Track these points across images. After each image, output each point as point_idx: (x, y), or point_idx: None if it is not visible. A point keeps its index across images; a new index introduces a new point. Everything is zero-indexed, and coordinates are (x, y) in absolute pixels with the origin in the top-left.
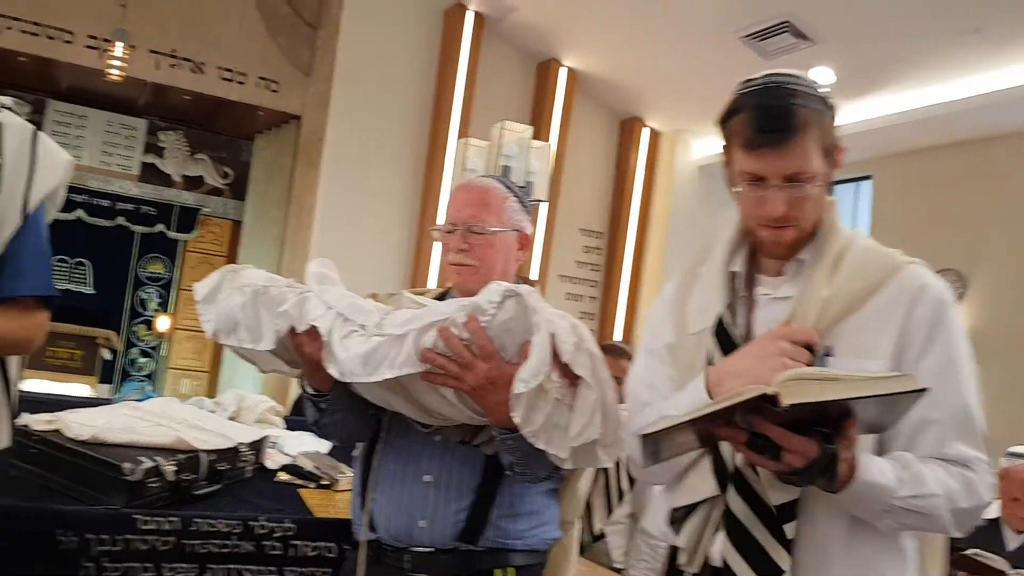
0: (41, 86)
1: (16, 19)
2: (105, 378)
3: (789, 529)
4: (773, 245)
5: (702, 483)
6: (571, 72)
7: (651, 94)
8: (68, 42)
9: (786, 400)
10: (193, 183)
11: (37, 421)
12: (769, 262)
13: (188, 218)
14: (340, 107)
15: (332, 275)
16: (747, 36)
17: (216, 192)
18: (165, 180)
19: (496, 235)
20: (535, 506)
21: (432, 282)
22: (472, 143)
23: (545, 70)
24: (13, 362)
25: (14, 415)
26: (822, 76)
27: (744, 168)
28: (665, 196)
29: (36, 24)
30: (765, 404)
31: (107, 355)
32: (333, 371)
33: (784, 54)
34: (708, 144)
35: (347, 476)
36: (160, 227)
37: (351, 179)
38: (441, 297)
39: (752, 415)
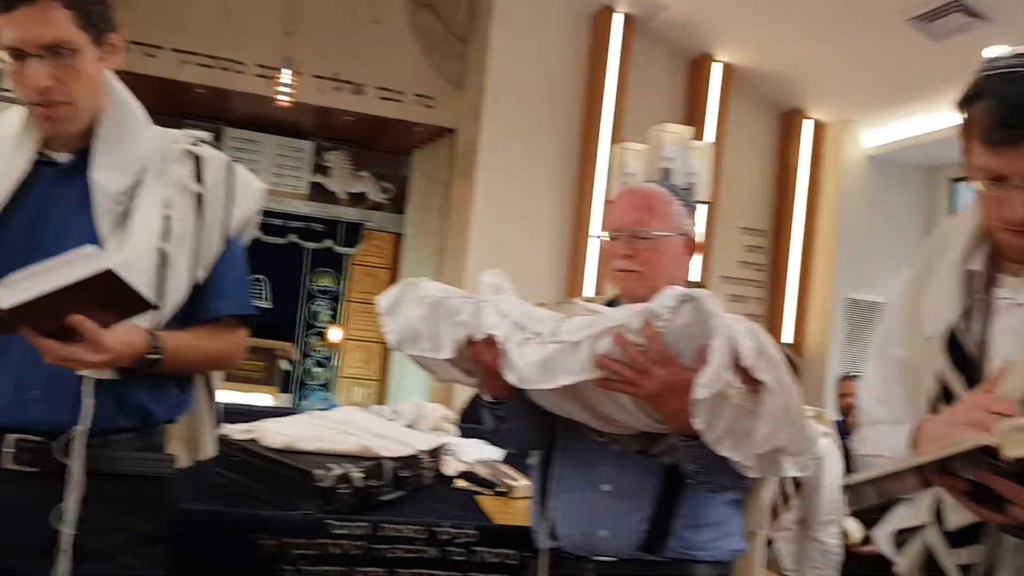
0: (217, 115)
1: (193, 54)
2: (284, 388)
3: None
4: (1014, 249)
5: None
6: (726, 67)
7: (813, 84)
8: (240, 72)
9: (1010, 452)
10: (357, 199)
11: (236, 431)
12: (1012, 263)
13: (353, 233)
14: (492, 118)
15: (505, 285)
16: (914, 18)
17: (378, 207)
18: (331, 198)
19: (661, 240)
20: (718, 516)
21: (589, 290)
22: (630, 147)
23: (698, 67)
24: (215, 376)
25: (217, 425)
26: None
27: (983, 164)
28: (833, 189)
29: (211, 57)
30: (985, 456)
31: (285, 366)
32: (511, 378)
33: (956, 35)
34: (878, 133)
35: (523, 484)
36: (328, 242)
37: (505, 189)
38: (611, 304)
39: (972, 465)
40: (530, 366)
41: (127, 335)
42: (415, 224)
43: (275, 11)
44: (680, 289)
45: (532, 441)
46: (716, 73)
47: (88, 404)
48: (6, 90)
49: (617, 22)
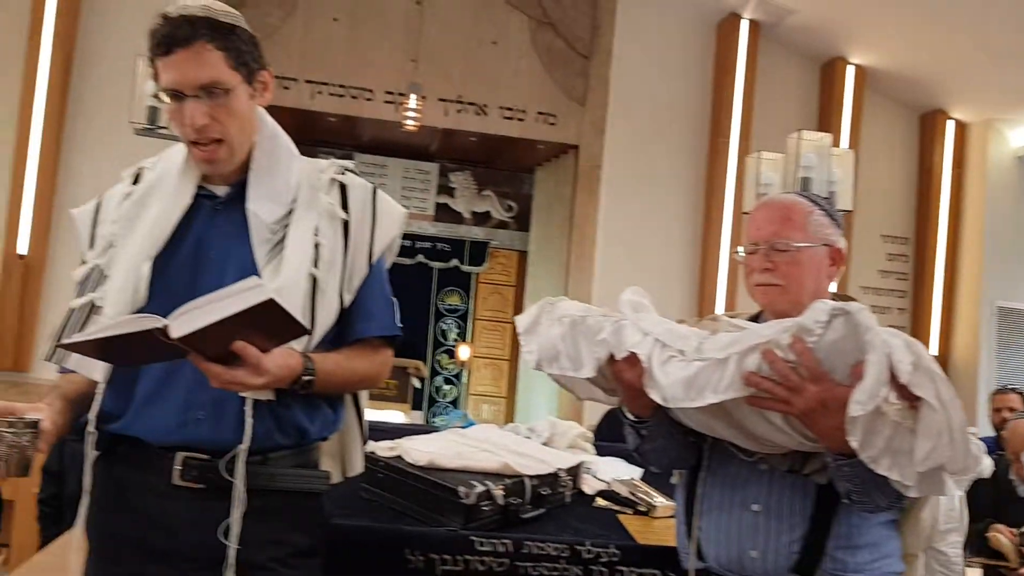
0: (347, 141)
1: (324, 84)
2: (416, 405)
3: None
4: None
5: None
6: (859, 69)
7: (954, 83)
8: (368, 100)
9: None
10: (481, 218)
11: (381, 448)
12: None
13: (479, 251)
14: (616, 133)
15: (645, 302)
16: None
17: (502, 225)
18: (456, 218)
19: (802, 251)
20: (875, 537)
21: (720, 306)
22: (765, 156)
23: (830, 70)
24: (363, 396)
25: (364, 443)
26: None
27: None
28: (978, 192)
29: (341, 87)
30: None
31: (416, 384)
32: (655, 397)
33: None
34: None
35: (664, 503)
36: (455, 262)
37: (630, 204)
38: (754, 320)
39: None
40: (675, 384)
41: (284, 358)
42: (539, 241)
43: (400, 41)
44: (831, 302)
45: (676, 460)
46: (850, 76)
47: (250, 424)
48: (163, 127)
49: (744, 29)
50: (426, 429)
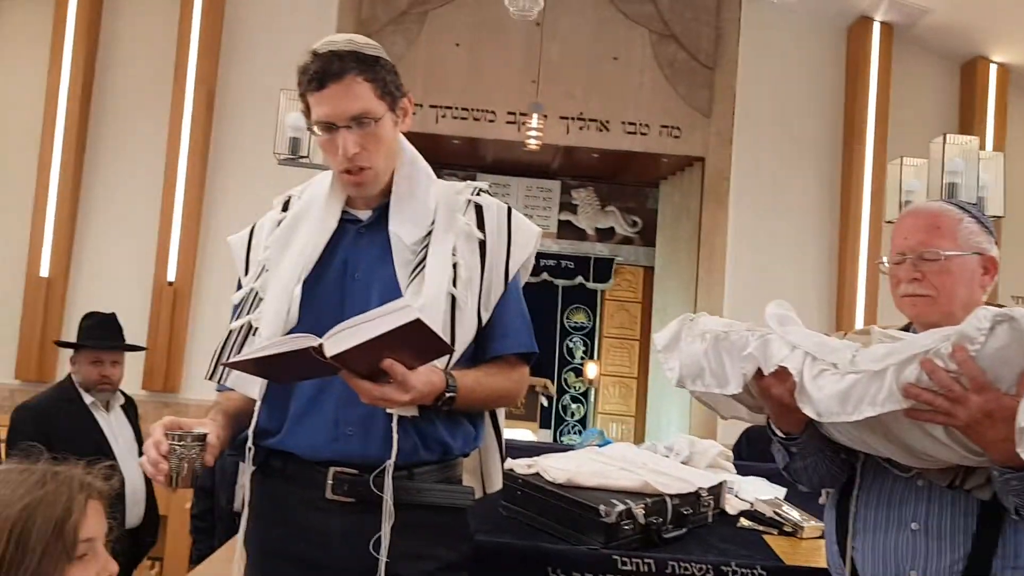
0: (470, 163)
1: (448, 107)
2: (544, 424)
3: None
4: None
5: None
6: (1001, 68)
7: None
8: (491, 121)
9: None
10: (605, 235)
11: (519, 465)
12: None
13: (604, 268)
14: (743, 144)
15: (791, 315)
16: None
17: (627, 241)
18: (580, 235)
19: (952, 260)
20: None
21: (859, 320)
22: (908, 162)
23: (971, 71)
24: (500, 413)
25: (503, 460)
26: None
27: None
28: None
29: (464, 109)
30: None
31: (544, 402)
32: (808, 412)
33: None
34: None
35: (812, 524)
36: (579, 279)
37: (760, 215)
38: (906, 331)
39: None
40: (829, 398)
41: (429, 375)
42: (665, 256)
43: (521, 62)
44: (993, 309)
45: (827, 478)
46: (992, 76)
47: (396, 439)
48: (304, 156)
49: (875, 31)
50: (562, 447)
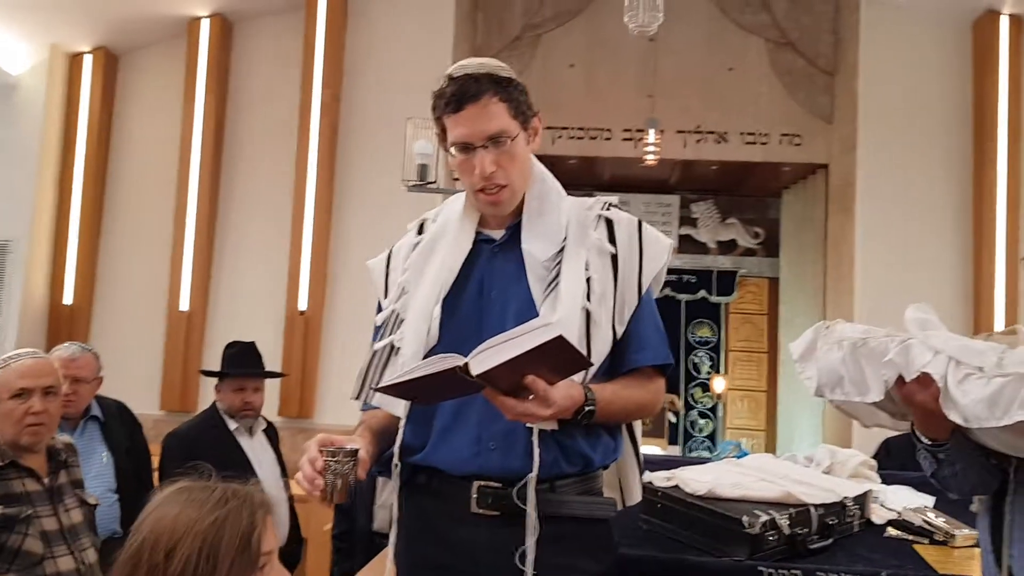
0: (588, 182)
1: (564, 128)
2: (672, 440)
3: None
4: None
5: None
6: None
7: None
8: (607, 139)
9: None
10: (727, 247)
11: (658, 478)
12: None
13: (727, 281)
14: (868, 148)
15: (932, 319)
16: None
17: (750, 253)
18: (701, 248)
19: None
20: None
21: (999, 322)
22: None
23: None
24: (637, 426)
25: (641, 472)
26: None
27: None
28: None
29: (580, 129)
30: None
31: (672, 418)
32: (955, 417)
33: None
34: None
35: (964, 532)
36: (702, 293)
37: (889, 219)
38: None
39: None
40: (976, 403)
41: (568, 390)
42: (790, 267)
43: (635, 78)
44: None
45: (978, 484)
46: None
47: (537, 452)
48: (432, 182)
49: (1003, 25)
50: (700, 460)
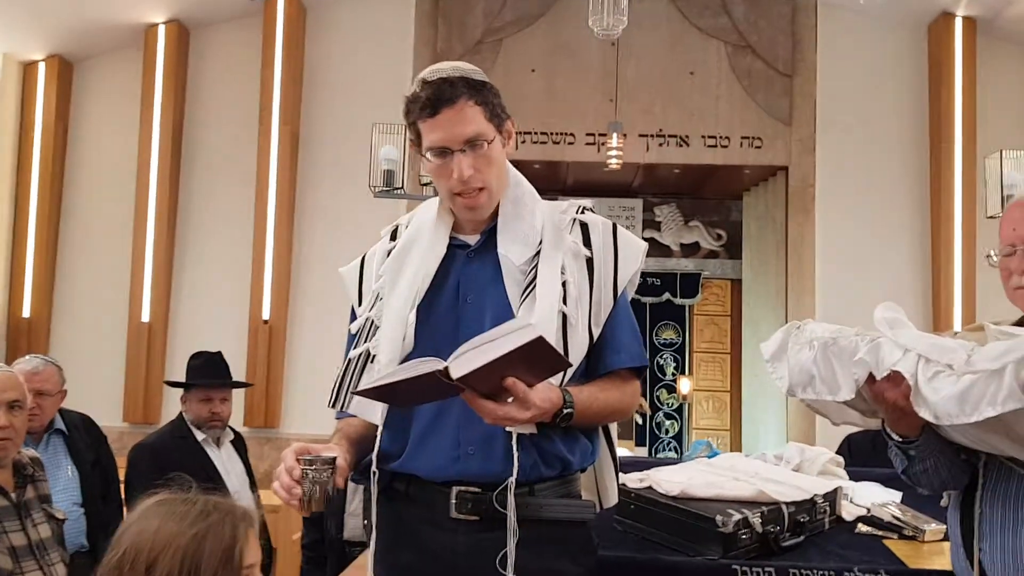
0: (551, 186)
1: (527, 133)
2: (639, 441)
3: None
4: None
5: None
6: None
7: None
8: (570, 143)
9: None
10: (690, 250)
11: (631, 479)
12: None
13: (690, 284)
14: (826, 150)
15: (901, 317)
16: None
17: (712, 255)
18: (664, 251)
19: None
20: None
21: (957, 319)
22: (1007, 155)
23: None
24: (613, 428)
25: (617, 474)
26: None
27: None
28: None
29: (543, 134)
30: None
31: (639, 420)
32: (926, 415)
33: None
34: None
35: (933, 527)
36: (667, 295)
37: (848, 221)
38: (1021, 325)
39: None
40: (946, 400)
41: (547, 392)
42: (752, 268)
43: (598, 82)
44: None
45: (948, 480)
46: None
47: (517, 457)
48: (399, 188)
49: (958, 27)
50: (671, 461)
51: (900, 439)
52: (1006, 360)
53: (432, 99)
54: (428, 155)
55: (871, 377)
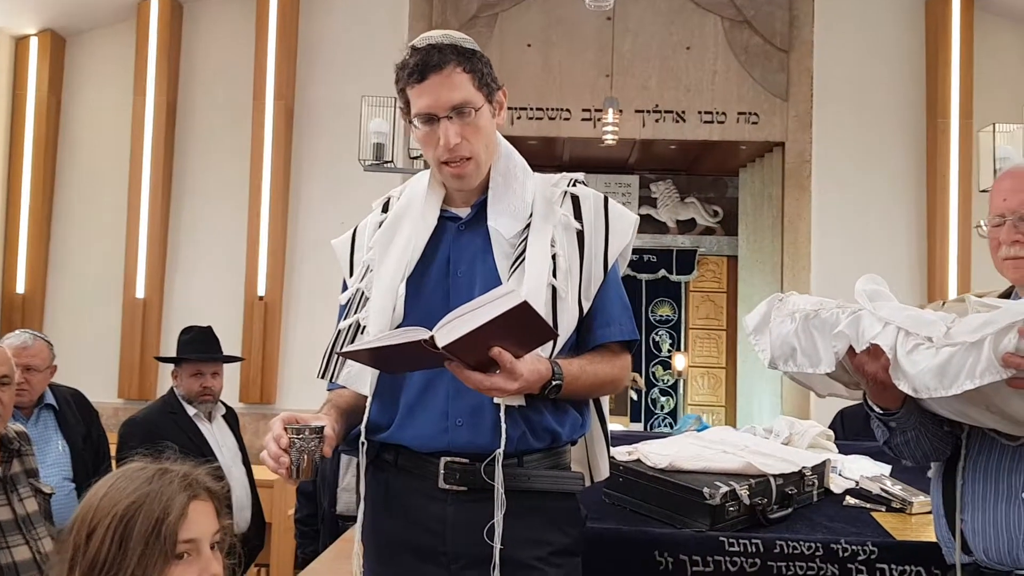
0: (547, 162)
1: (523, 108)
2: (634, 417)
3: None
4: None
5: None
6: None
7: None
8: (566, 119)
9: None
10: (686, 226)
11: (620, 453)
12: None
13: (686, 260)
14: (823, 125)
15: (883, 290)
16: None
17: (709, 231)
18: (661, 228)
19: None
20: None
21: (952, 293)
22: (1001, 129)
23: None
24: (604, 402)
25: (608, 448)
26: None
27: None
28: None
29: (538, 109)
30: None
31: (634, 396)
32: (904, 388)
33: None
34: None
35: (920, 499)
36: (663, 272)
37: (844, 196)
38: (1006, 296)
39: None
40: (925, 373)
41: (535, 363)
42: (748, 244)
43: (594, 58)
44: None
45: (930, 452)
46: None
47: (505, 428)
48: (388, 161)
49: (955, 2)
50: (661, 435)
51: (881, 411)
52: (984, 332)
53: (420, 65)
54: (416, 122)
55: (851, 350)
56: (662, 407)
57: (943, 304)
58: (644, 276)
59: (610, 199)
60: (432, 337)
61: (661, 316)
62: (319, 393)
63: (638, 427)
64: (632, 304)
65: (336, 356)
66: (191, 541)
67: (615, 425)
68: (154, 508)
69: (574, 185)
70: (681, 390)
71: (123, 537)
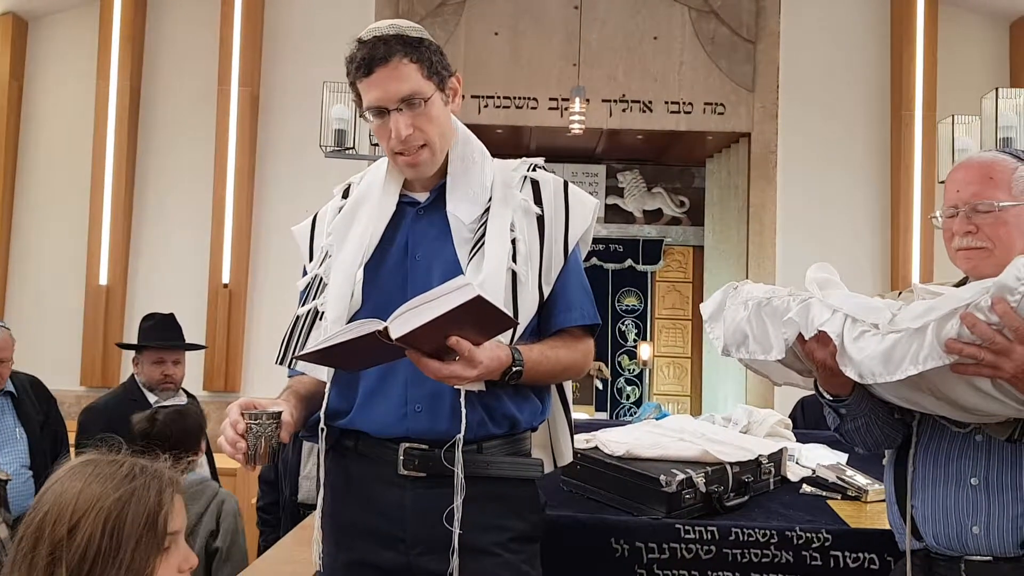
0: (514, 152)
1: (490, 97)
2: (599, 407)
3: None
4: None
5: None
6: None
7: None
8: (533, 108)
9: None
10: (653, 216)
11: (577, 440)
12: None
13: (653, 250)
14: (789, 116)
15: (833, 278)
16: None
17: (675, 221)
18: (627, 217)
19: (1007, 210)
20: None
21: (914, 283)
22: (961, 120)
23: (1021, 29)
24: (567, 387)
25: (571, 434)
26: None
27: None
28: None
29: (506, 98)
30: None
31: (599, 385)
32: (851, 374)
33: None
34: None
35: (876, 487)
36: (629, 262)
37: (809, 187)
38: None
39: None
40: (870, 359)
41: (494, 350)
42: (714, 235)
43: (561, 46)
44: None
45: (881, 438)
46: None
47: (465, 414)
48: (350, 148)
49: None
50: (620, 423)
51: (832, 398)
52: (928, 319)
53: (367, 59)
54: (368, 115)
55: (801, 337)
56: (628, 396)
57: (899, 294)
58: (610, 266)
59: (570, 184)
60: (386, 328)
61: (627, 306)
62: (283, 381)
63: (603, 416)
64: (598, 293)
65: (296, 342)
66: (174, 533)
67: (581, 414)
68: (147, 501)
69: (534, 170)
70: (647, 379)
71: (115, 530)
